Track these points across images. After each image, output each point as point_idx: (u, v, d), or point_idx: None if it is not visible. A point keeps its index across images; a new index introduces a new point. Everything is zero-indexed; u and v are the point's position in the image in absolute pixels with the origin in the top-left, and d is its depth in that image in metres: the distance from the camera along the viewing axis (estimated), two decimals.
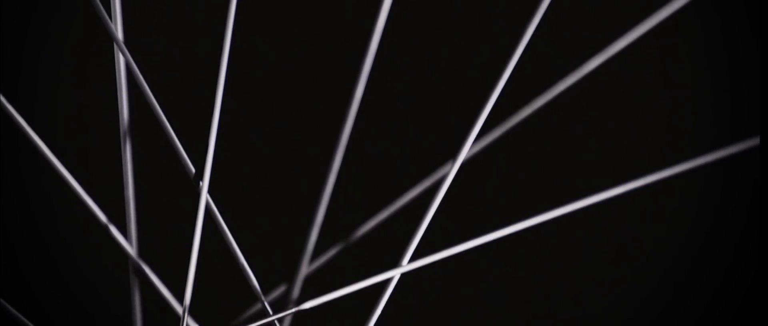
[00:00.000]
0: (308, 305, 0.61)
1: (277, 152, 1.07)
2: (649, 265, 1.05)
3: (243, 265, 0.63)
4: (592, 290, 1.05)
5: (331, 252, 0.65)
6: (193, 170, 0.63)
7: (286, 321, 0.74)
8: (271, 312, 0.62)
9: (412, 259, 0.61)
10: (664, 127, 1.04)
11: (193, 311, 0.66)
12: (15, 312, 0.60)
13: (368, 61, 0.53)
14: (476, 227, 1.04)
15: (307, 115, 1.08)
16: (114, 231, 0.62)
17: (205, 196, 0.62)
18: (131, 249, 0.64)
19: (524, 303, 1.05)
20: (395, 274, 0.61)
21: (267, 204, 1.06)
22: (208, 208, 0.63)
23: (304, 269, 0.62)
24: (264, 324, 0.62)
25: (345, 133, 0.56)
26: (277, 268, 0.81)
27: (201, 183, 0.62)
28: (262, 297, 0.63)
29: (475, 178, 1.07)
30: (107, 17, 0.61)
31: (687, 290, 1.04)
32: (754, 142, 0.69)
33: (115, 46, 0.63)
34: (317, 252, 0.82)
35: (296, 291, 0.62)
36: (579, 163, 1.06)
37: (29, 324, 0.61)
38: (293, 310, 0.62)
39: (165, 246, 1.05)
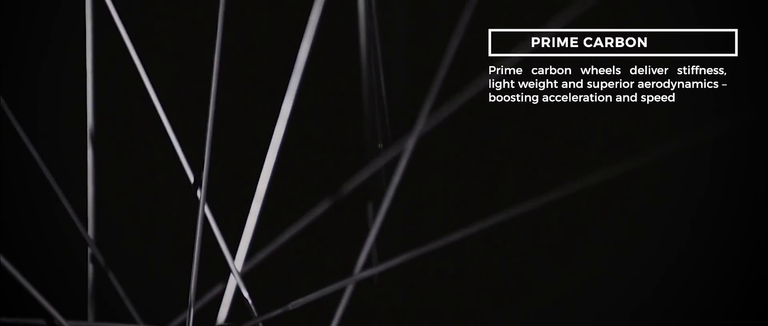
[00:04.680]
0: (293, 305, 0.62)
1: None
2: (650, 264, 1.05)
3: (233, 268, 0.63)
4: (587, 291, 1.05)
5: (280, 242, 0.65)
6: (193, 178, 0.64)
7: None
8: (256, 313, 0.63)
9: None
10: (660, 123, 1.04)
11: (171, 312, 0.66)
12: (28, 285, 0.61)
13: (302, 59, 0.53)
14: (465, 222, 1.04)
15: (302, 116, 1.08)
16: (80, 225, 0.63)
17: (203, 203, 0.63)
18: (90, 240, 0.65)
19: (522, 299, 1.06)
20: (350, 282, 0.62)
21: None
22: (199, 211, 0.64)
23: (239, 267, 0.63)
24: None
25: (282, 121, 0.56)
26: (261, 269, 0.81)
27: (199, 189, 0.63)
28: (249, 300, 0.63)
29: (450, 177, 1.07)
30: None
31: (689, 289, 1.04)
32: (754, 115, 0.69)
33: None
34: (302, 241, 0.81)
35: (233, 288, 0.62)
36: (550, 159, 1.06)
37: (41, 298, 0.61)
38: (280, 310, 0.62)
39: (142, 243, 1.06)
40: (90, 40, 0.65)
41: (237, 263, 0.61)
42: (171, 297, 0.94)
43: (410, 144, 0.59)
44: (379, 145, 0.85)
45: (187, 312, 0.64)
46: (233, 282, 0.62)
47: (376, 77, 0.87)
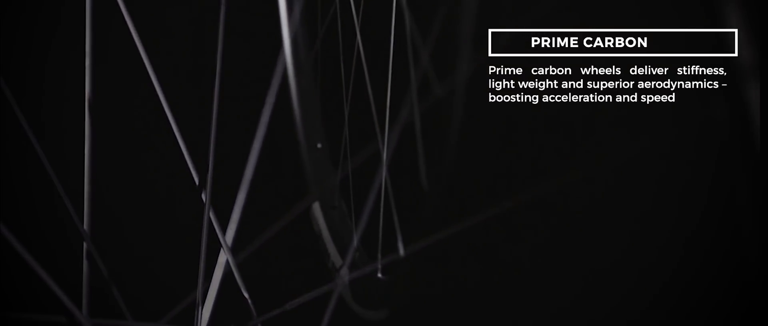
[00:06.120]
0: (290, 305, 0.62)
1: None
2: (652, 263, 1.05)
3: (234, 267, 0.63)
4: (587, 290, 1.05)
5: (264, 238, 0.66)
6: (197, 180, 0.64)
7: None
8: (255, 313, 0.63)
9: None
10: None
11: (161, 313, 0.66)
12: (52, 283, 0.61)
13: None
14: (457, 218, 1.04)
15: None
16: (79, 224, 0.63)
17: (208, 206, 0.63)
18: (86, 235, 0.65)
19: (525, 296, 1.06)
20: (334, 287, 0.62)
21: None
22: (203, 212, 0.64)
23: (225, 258, 0.63)
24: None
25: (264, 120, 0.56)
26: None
27: (204, 191, 0.63)
28: (249, 299, 0.63)
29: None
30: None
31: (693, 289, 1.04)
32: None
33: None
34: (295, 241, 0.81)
35: (217, 283, 0.63)
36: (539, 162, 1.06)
37: (62, 294, 0.61)
38: (278, 311, 0.63)
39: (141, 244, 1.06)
40: (89, 23, 0.65)
41: (220, 261, 0.61)
42: (158, 293, 0.94)
43: (393, 138, 0.59)
44: (318, 145, 0.85)
45: (196, 312, 0.64)
46: (218, 278, 0.62)
47: (314, 78, 0.87)
